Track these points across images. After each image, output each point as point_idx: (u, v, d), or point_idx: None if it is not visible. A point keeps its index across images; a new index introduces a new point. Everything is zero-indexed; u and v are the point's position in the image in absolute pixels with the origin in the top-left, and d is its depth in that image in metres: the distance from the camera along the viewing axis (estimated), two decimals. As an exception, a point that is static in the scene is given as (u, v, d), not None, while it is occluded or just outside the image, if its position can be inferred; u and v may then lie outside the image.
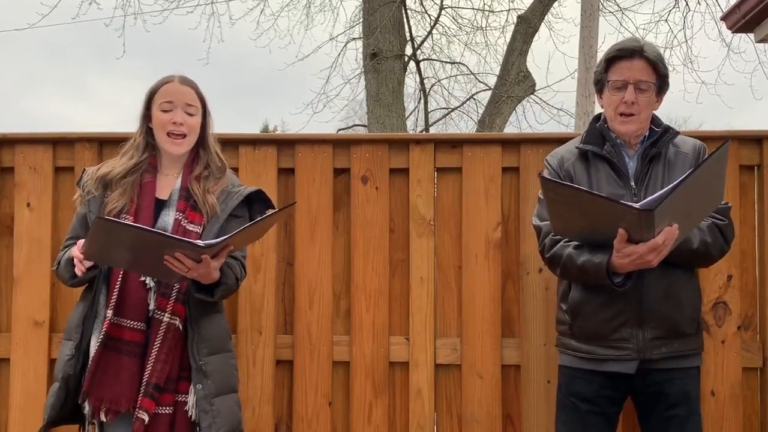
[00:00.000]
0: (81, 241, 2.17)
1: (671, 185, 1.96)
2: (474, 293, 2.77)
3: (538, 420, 2.72)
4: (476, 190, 2.80)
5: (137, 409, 2.14)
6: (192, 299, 2.22)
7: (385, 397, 2.76)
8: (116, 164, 2.34)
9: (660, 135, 2.32)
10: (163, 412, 2.17)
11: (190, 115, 2.32)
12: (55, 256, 2.80)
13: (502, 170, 2.81)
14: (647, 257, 2.06)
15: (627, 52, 2.30)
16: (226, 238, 2.09)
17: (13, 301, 2.84)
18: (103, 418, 2.17)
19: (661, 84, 2.33)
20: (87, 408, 2.19)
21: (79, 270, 2.18)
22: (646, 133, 2.34)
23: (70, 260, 2.21)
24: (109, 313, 2.17)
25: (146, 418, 2.13)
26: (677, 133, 2.37)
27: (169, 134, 2.30)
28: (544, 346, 2.73)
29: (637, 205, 2.00)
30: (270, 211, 2.37)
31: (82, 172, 2.40)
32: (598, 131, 2.37)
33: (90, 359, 2.18)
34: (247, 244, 2.38)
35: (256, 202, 2.40)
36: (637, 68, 2.28)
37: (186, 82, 2.36)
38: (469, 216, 2.79)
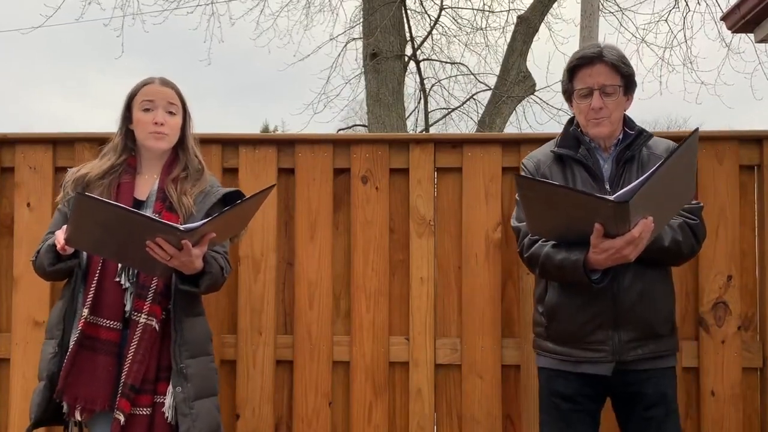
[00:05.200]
0: (65, 226, 2.15)
1: (644, 176, 1.97)
2: (474, 293, 2.77)
3: (538, 420, 2.71)
4: (476, 190, 2.80)
5: (114, 410, 2.13)
6: (176, 300, 2.21)
7: (385, 397, 2.76)
8: (95, 166, 2.33)
9: (634, 138, 2.33)
10: (141, 413, 2.15)
11: (172, 114, 2.32)
12: (55, 256, 2.82)
13: (502, 170, 2.81)
14: (624, 251, 2.06)
15: (586, 60, 2.30)
16: (205, 222, 2.07)
17: (13, 301, 2.84)
18: (78, 417, 2.16)
19: (627, 84, 2.33)
20: (65, 407, 2.18)
21: (59, 248, 2.14)
22: (620, 136, 2.35)
23: (52, 246, 2.19)
24: (85, 311, 2.16)
25: (122, 418, 2.12)
26: (651, 135, 2.37)
27: (150, 132, 2.30)
28: (544, 346, 2.73)
29: (611, 198, 2.00)
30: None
31: (66, 173, 2.39)
32: (572, 135, 2.38)
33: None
34: (228, 236, 2.35)
35: (235, 200, 2.38)
36: (599, 73, 2.28)
37: (166, 83, 2.36)
38: (469, 216, 2.79)
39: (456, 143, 2.84)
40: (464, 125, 12.24)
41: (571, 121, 2.44)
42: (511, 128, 10.66)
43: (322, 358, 2.78)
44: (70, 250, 2.17)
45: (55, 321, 2.24)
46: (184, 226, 2.07)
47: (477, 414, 2.74)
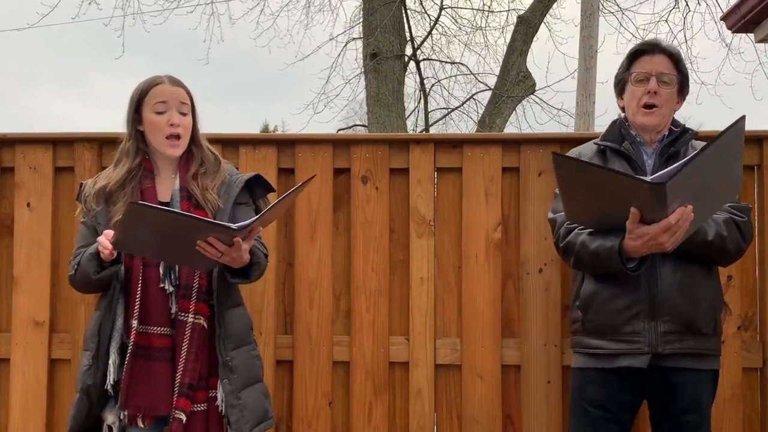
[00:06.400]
0: (108, 231, 2.15)
1: (684, 160, 1.94)
2: (474, 293, 2.77)
3: (538, 420, 2.72)
4: (476, 190, 2.80)
5: (173, 410, 2.14)
6: (218, 295, 2.23)
7: (385, 397, 2.76)
8: (111, 175, 2.31)
9: (679, 134, 2.36)
10: (198, 409, 2.19)
11: (184, 114, 2.30)
12: (56, 256, 2.81)
13: (502, 170, 2.81)
14: (660, 238, 2.03)
15: (649, 47, 2.39)
16: (256, 219, 2.10)
17: (13, 301, 2.83)
18: (140, 424, 2.17)
19: (682, 82, 2.39)
20: (118, 419, 2.19)
21: (106, 255, 2.12)
22: (666, 132, 2.37)
23: (94, 254, 2.17)
24: (135, 323, 2.17)
25: (184, 417, 2.14)
26: (696, 133, 2.40)
27: (167, 137, 2.28)
28: (544, 346, 2.73)
29: (648, 179, 1.97)
30: (278, 192, 2.37)
31: (80, 187, 2.38)
32: (617, 129, 2.41)
33: (110, 368, 2.18)
34: (267, 225, 2.38)
35: (256, 186, 2.39)
36: (659, 62, 2.36)
37: (176, 82, 2.33)
38: (469, 216, 2.79)
39: (456, 143, 2.84)
40: (464, 125, 12.24)
41: (617, 118, 2.47)
42: (511, 128, 10.66)
43: (322, 358, 2.77)
44: (113, 255, 2.15)
45: (91, 333, 2.24)
46: (236, 224, 2.08)
47: (477, 414, 2.74)
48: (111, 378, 2.19)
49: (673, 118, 2.41)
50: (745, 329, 2.74)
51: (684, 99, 2.42)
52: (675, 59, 2.37)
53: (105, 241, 2.13)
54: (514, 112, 10.47)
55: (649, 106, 2.33)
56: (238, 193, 2.32)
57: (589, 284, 2.29)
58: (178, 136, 2.28)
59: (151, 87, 2.30)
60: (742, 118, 1.98)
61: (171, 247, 2.12)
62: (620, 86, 2.43)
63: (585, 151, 2.42)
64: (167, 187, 2.31)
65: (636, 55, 2.39)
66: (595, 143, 2.43)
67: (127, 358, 2.17)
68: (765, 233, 2.75)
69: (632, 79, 2.37)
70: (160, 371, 2.17)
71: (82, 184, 2.39)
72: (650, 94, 2.32)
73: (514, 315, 2.79)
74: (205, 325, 2.21)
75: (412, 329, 2.77)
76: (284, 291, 2.83)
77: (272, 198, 2.42)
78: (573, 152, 2.45)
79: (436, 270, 2.81)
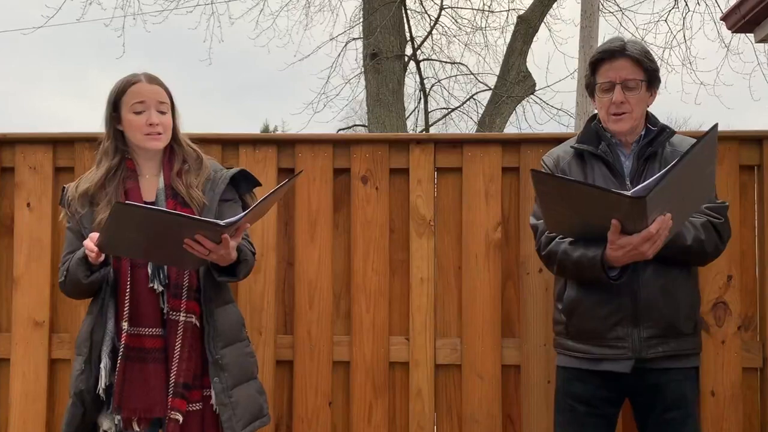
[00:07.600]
0: (93, 234, 2.13)
1: (662, 172, 1.96)
2: (474, 293, 2.77)
3: (538, 420, 2.72)
4: (476, 190, 2.80)
5: (169, 410, 2.13)
6: (206, 293, 2.22)
7: (385, 397, 2.76)
8: (93, 177, 2.29)
9: (656, 134, 2.32)
10: (194, 408, 2.18)
11: (163, 113, 2.27)
12: (56, 256, 2.81)
13: (502, 170, 2.81)
14: (642, 248, 2.04)
15: (609, 54, 2.30)
16: (244, 215, 2.08)
17: (13, 301, 2.84)
18: (135, 427, 2.16)
19: (651, 79, 2.32)
20: (113, 424, 2.18)
21: (93, 258, 2.12)
22: (642, 132, 2.34)
23: (82, 259, 2.16)
24: (125, 325, 2.16)
25: (180, 418, 2.14)
26: (673, 132, 2.37)
27: (146, 134, 2.26)
28: (544, 346, 2.73)
29: (628, 193, 1.99)
30: (264, 189, 2.34)
31: (62, 192, 2.35)
32: (593, 131, 2.37)
33: (101, 372, 2.17)
34: (256, 221, 2.37)
35: (241, 181, 2.38)
36: (621, 68, 2.28)
37: (153, 80, 2.29)
38: (469, 216, 2.79)
39: (456, 143, 2.84)
40: (464, 125, 12.25)
41: (592, 117, 2.43)
42: (511, 128, 10.68)
43: (322, 358, 2.78)
44: (101, 258, 2.14)
45: (83, 337, 2.23)
46: (224, 220, 2.08)
47: (477, 414, 2.74)
48: (102, 382, 2.17)
49: (652, 115, 2.37)
50: (745, 329, 2.74)
51: (656, 90, 2.36)
52: (638, 60, 2.28)
53: (90, 244, 2.12)
54: (514, 112, 10.49)
55: (618, 114, 2.30)
56: (224, 189, 2.31)
57: (571, 290, 2.30)
58: (158, 134, 2.27)
59: (129, 86, 2.27)
60: (715, 126, 2.01)
61: (158, 247, 2.10)
62: (590, 90, 2.39)
63: (563, 155, 2.39)
64: (151, 186, 2.30)
65: (598, 62, 2.32)
66: (571, 146, 2.38)
67: (118, 362, 2.16)
68: (765, 233, 2.75)
69: (597, 89, 2.33)
70: (154, 373, 2.16)
71: (64, 188, 2.36)
72: (616, 104, 2.28)
73: (514, 315, 2.79)
74: (197, 324, 2.20)
75: (412, 329, 2.77)
76: (284, 291, 2.83)
77: (259, 193, 2.40)
78: (551, 155, 2.42)
79: (436, 270, 2.81)
